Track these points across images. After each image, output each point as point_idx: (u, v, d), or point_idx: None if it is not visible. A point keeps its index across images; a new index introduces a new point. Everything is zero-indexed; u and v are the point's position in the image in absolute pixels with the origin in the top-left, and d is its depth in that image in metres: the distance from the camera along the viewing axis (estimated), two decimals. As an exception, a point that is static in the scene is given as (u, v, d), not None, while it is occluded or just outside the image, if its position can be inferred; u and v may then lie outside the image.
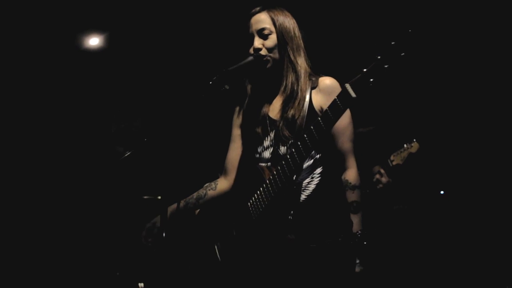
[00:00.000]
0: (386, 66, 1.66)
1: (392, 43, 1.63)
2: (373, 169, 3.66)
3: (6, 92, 5.42)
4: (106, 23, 5.37)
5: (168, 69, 6.20)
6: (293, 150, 1.89)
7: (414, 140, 3.40)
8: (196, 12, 5.06)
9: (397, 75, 1.73)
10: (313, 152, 2.03)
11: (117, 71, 6.20)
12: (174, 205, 2.34)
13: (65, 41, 5.55)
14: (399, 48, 1.62)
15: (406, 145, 3.41)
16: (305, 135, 1.85)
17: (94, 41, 5.69)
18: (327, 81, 2.11)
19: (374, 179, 3.47)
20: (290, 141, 2.04)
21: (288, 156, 1.91)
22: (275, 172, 1.94)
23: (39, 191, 5.58)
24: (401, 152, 3.41)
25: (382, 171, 3.49)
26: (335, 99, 1.79)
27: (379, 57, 1.67)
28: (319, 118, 1.83)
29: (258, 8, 2.23)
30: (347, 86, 1.75)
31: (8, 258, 5.05)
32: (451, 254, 4.45)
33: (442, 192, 4.72)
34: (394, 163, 3.41)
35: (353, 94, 1.72)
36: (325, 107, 2.05)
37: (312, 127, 1.83)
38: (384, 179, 3.47)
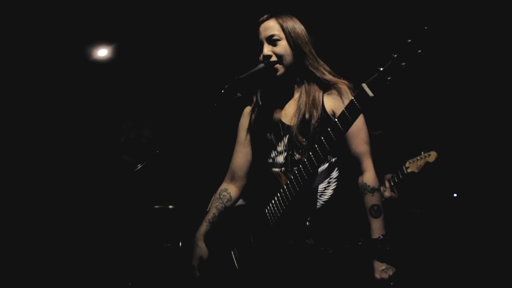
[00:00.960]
0: (403, 64, 1.65)
1: (409, 40, 1.62)
2: (385, 176, 3.58)
3: (19, 102, 5.47)
4: (116, 33, 5.40)
5: (179, 78, 6.23)
6: (311, 153, 1.88)
7: (432, 149, 3.28)
8: (206, 21, 5.07)
9: (414, 74, 1.72)
10: (329, 156, 2.02)
11: (128, 82, 6.24)
12: (202, 230, 2.29)
13: (75, 52, 5.58)
14: (415, 45, 1.61)
15: (424, 153, 3.28)
16: (322, 138, 1.83)
17: (102, 52, 5.73)
18: (339, 85, 2.11)
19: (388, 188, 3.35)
20: (304, 146, 2.03)
21: (305, 160, 1.90)
22: (292, 177, 1.93)
23: (52, 200, 5.61)
24: (417, 160, 3.27)
25: (387, 185, 3.36)
26: (352, 100, 1.77)
27: (395, 55, 1.66)
28: (336, 120, 1.82)
29: (266, 16, 2.22)
30: (364, 86, 1.73)
31: (10, 261, 5.07)
32: (463, 257, 4.40)
33: (455, 195, 4.68)
34: (409, 170, 3.29)
35: (370, 94, 1.71)
36: (337, 110, 2.05)
37: (329, 129, 1.81)
38: (387, 194, 3.34)
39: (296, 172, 1.91)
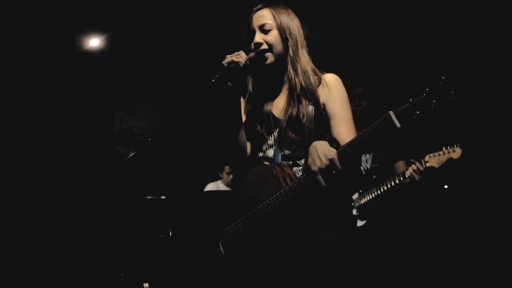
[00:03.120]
0: (434, 101, 1.59)
1: (443, 77, 1.57)
2: (395, 165, 3.44)
3: (8, 94, 5.42)
4: (107, 23, 5.36)
5: (169, 69, 6.20)
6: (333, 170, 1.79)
7: (457, 144, 3.03)
8: (197, 11, 5.04)
9: (444, 113, 1.63)
10: None
11: (119, 72, 6.21)
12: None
13: (66, 43, 5.54)
14: (449, 85, 1.57)
15: (447, 148, 3.06)
16: (338, 155, 1.79)
17: (94, 42, 5.69)
18: (329, 77, 2.07)
19: (408, 174, 3.14)
20: (296, 142, 2.01)
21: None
22: (296, 181, 1.90)
23: (42, 192, 5.59)
24: (439, 154, 3.07)
25: (421, 168, 3.12)
26: (375, 124, 1.70)
27: (427, 89, 1.60)
28: (356, 141, 1.76)
29: (260, 5, 2.20)
30: (392, 114, 1.66)
31: (9, 259, 5.05)
32: (456, 252, 4.42)
33: (446, 186, 4.68)
34: (428, 164, 3.09)
35: (398, 124, 1.64)
36: (327, 102, 2.03)
37: (346, 149, 1.78)
38: (417, 177, 3.11)
39: (303, 179, 1.88)
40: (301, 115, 2.04)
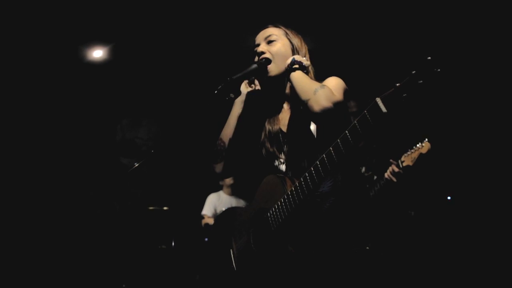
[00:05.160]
0: (420, 81, 1.58)
1: (428, 58, 1.57)
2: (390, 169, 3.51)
3: (12, 103, 5.45)
4: (111, 35, 5.40)
5: (172, 80, 6.22)
6: (318, 163, 1.81)
7: (426, 139, 3.18)
8: (200, 23, 5.07)
9: (431, 92, 1.65)
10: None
11: (121, 83, 6.23)
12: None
13: (70, 54, 5.58)
14: (435, 63, 1.56)
15: (418, 145, 3.19)
16: (331, 148, 1.77)
17: (98, 53, 5.72)
18: (329, 79, 2.02)
19: (386, 176, 3.24)
20: (307, 154, 2.00)
21: (312, 169, 1.83)
22: (297, 184, 1.87)
23: (45, 200, 5.59)
24: (411, 152, 3.19)
25: (396, 169, 3.23)
26: (364, 112, 1.69)
27: (414, 72, 1.59)
28: (347, 132, 1.74)
29: (268, 25, 2.22)
30: (378, 100, 1.65)
31: (9, 265, 5.05)
32: (456, 258, 4.41)
33: (449, 198, 4.68)
34: (404, 164, 3.20)
35: (383, 109, 1.64)
36: None
37: (339, 141, 1.75)
38: (396, 169, 3.22)
39: (302, 180, 1.85)
40: (308, 127, 2.02)
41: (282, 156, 2.09)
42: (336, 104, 1.86)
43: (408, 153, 3.21)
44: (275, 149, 2.11)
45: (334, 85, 1.98)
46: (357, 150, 1.93)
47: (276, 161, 2.11)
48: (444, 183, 4.63)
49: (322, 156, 1.81)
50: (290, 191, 1.89)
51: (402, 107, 1.64)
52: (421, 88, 1.59)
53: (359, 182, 2.09)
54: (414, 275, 3.97)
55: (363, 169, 3.56)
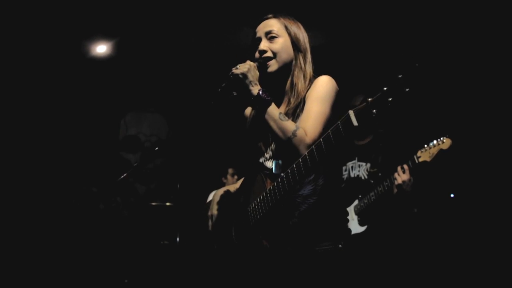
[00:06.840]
0: (390, 99, 1.61)
1: (399, 76, 1.59)
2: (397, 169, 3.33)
3: (15, 99, 5.46)
4: (115, 30, 5.39)
5: (176, 76, 6.22)
6: (294, 166, 1.84)
7: (447, 135, 3.06)
8: (204, 19, 5.06)
9: (401, 110, 1.66)
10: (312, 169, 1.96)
11: (125, 78, 6.23)
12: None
13: (74, 49, 5.58)
14: (404, 82, 1.58)
15: (437, 140, 3.07)
16: (306, 154, 1.81)
17: (101, 48, 5.72)
18: (318, 78, 2.03)
19: (394, 177, 3.16)
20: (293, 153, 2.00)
21: (289, 172, 1.86)
22: (275, 184, 1.91)
23: (47, 196, 5.61)
24: (430, 148, 3.07)
25: (405, 167, 3.16)
26: (337, 123, 1.73)
27: (385, 88, 1.62)
28: (321, 140, 1.78)
29: (269, 15, 2.19)
30: (351, 113, 1.69)
31: (10, 263, 5.08)
32: (459, 256, 4.40)
33: (452, 195, 4.66)
34: (420, 159, 3.09)
35: (355, 123, 1.67)
36: (306, 99, 2.00)
37: (314, 147, 1.79)
38: (405, 177, 3.12)
39: (279, 180, 1.89)
40: None
41: (269, 152, 2.10)
42: (313, 142, 1.86)
43: (426, 148, 3.12)
44: (262, 145, 2.13)
45: (315, 106, 1.96)
46: (333, 156, 1.96)
47: (261, 158, 2.13)
48: (449, 181, 4.61)
49: (298, 160, 1.84)
50: (268, 189, 1.94)
51: (373, 121, 1.66)
52: (390, 106, 1.61)
53: (339, 186, 2.09)
54: (417, 272, 3.97)
55: (368, 166, 3.54)
